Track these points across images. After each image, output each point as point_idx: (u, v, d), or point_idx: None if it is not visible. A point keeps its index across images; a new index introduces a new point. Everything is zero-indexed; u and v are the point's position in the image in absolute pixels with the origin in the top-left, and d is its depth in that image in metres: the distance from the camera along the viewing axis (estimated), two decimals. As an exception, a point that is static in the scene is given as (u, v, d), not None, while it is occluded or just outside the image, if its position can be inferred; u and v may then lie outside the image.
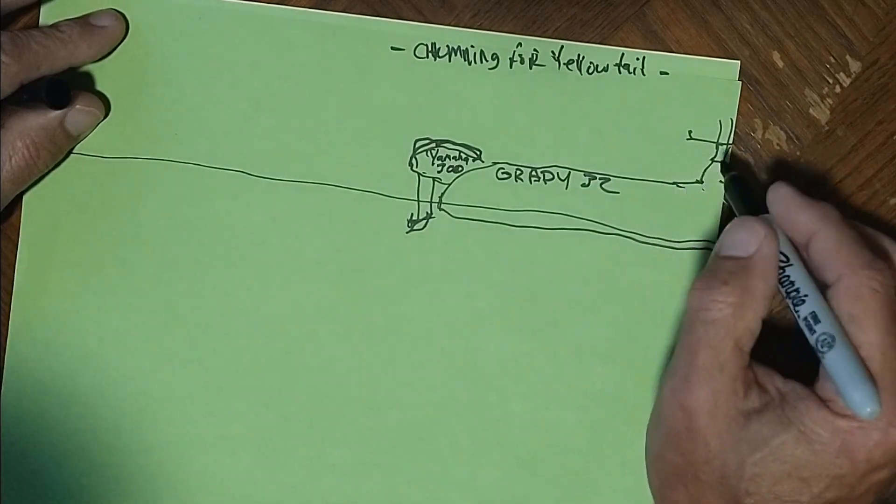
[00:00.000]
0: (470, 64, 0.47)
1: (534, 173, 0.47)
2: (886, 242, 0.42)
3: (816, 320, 0.40)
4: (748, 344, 0.41)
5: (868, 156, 0.47)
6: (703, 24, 0.47)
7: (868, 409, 0.38)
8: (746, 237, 0.41)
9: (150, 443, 0.48)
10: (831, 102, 0.47)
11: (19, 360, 0.49)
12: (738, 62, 0.47)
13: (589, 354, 0.47)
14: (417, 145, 0.48)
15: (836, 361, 0.39)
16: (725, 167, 0.46)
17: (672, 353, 0.43)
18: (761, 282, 0.41)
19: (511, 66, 0.47)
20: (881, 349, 0.39)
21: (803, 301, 0.40)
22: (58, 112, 0.46)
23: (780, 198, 0.42)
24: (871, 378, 0.38)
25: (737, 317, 0.40)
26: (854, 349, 0.39)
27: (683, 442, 0.41)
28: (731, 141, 0.47)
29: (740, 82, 0.47)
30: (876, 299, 0.39)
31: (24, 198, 0.49)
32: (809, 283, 0.41)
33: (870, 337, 0.39)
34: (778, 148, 0.47)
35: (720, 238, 0.42)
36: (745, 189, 0.45)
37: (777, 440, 0.39)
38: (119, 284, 0.48)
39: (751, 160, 0.47)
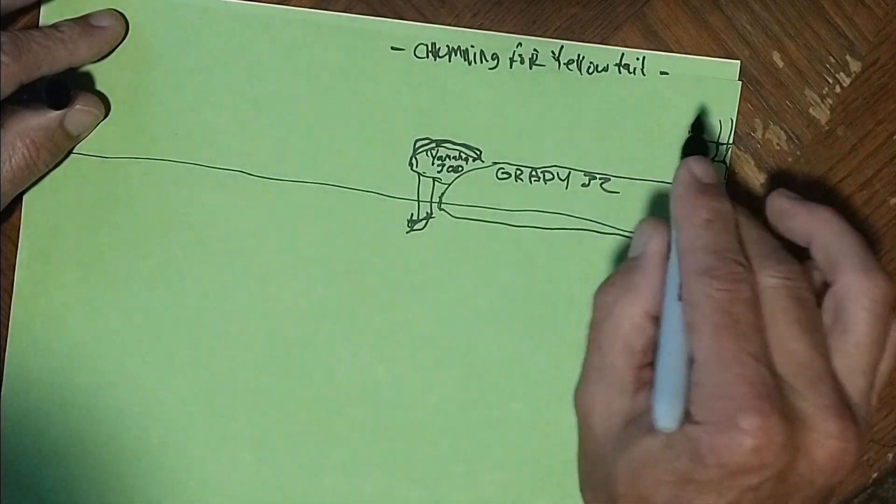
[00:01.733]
0: (470, 64, 0.47)
1: (534, 173, 0.47)
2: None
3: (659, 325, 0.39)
4: (638, 342, 0.40)
5: (868, 156, 0.47)
6: (703, 24, 0.47)
7: (661, 424, 0.37)
8: (639, 237, 0.41)
9: (150, 443, 0.48)
10: (831, 102, 0.47)
11: (19, 360, 0.49)
12: (738, 62, 0.47)
13: (589, 354, 0.47)
14: (417, 145, 0.48)
15: (657, 370, 0.38)
16: (692, 144, 0.45)
17: None
18: (643, 278, 0.40)
19: (511, 66, 0.47)
20: (711, 357, 0.37)
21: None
22: (58, 112, 0.46)
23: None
24: (679, 391, 0.37)
25: (620, 315, 0.40)
26: (675, 359, 0.38)
27: (583, 443, 0.41)
28: (731, 141, 0.47)
29: (740, 82, 0.47)
30: (710, 305, 0.38)
31: (24, 198, 0.49)
32: (670, 286, 0.40)
33: (702, 344, 0.38)
34: (778, 148, 0.47)
35: None
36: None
37: (645, 443, 0.38)
38: (119, 284, 0.48)
39: (751, 160, 0.47)
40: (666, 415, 0.37)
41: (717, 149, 0.47)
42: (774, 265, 0.39)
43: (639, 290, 0.40)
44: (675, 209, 0.41)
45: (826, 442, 0.37)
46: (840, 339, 0.39)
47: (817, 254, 0.40)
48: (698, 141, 0.45)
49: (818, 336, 0.38)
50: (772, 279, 0.38)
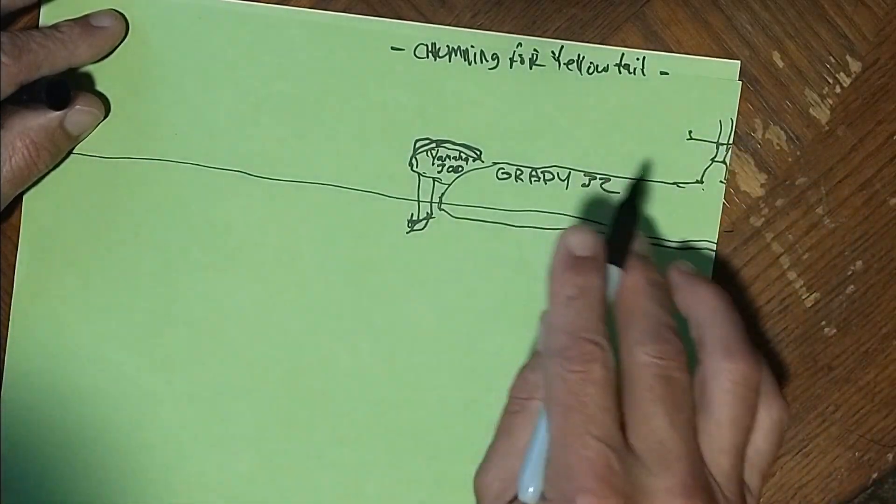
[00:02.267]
0: (470, 64, 0.47)
1: (534, 173, 0.47)
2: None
3: None
4: None
5: (868, 156, 0.47)
6: (703, 24, 0.47)
7: (522, 498, 0.38)
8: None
9: (150, 443, 0.48)
10: (831, 102, 0.47)
11: (19, 360, 0.49)
12: (739, 62, 0.47)
13: (589, 354, 0.47)
14: (417, 145, 0.48)
15: (529, 445, 0.39)
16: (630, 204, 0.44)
17: None
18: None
19: (511, 66, 0.47)
20: (558, 437, 0.38)
21: None
22: (58, 112, 0.46)
23: None
24: (540, 468, 0.38)
25: (535, 408, 0.41)
26: (543, 435, 0.39)
27: None
28: (731, 141, 0.47)
29: (740, 82, 0.47)
30: (560, 386, 0.38)
31: (24, 198, 0.49)
32: None
33: (553, 423, 0.38)
34: (778, 148, 0.47)
35: None
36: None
37: None
38: (119, 284, 0.48)
39: (751, 160, 0.47)
40: (525, 489, 0.38)
41: (717, 149, 0.47)
42: (649, 343, 0.39)
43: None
44: (548, 283, 0.41)
45: None
46: (703, 419, 0.39)
47: (692, 332, 0.41)
48: (629, 207, 0.43)
49: (681, 416, 0.39)
50: (643, 356, 0.39)
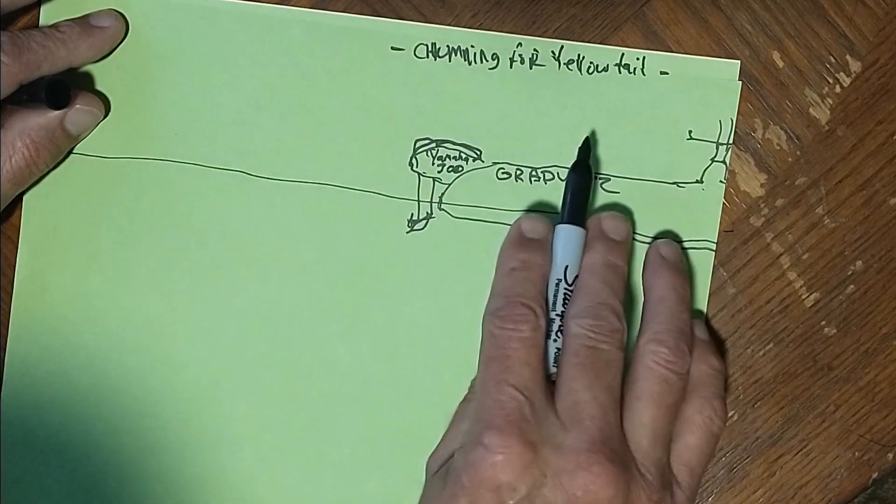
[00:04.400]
0: (470, 64, 0.47)
1: (534, 173, 0.47)
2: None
3: None
4: None
5: (868, 156, 0.47)
6: (703, 24, 0.47)
7: None
8: None
9: (150, 442, 0.48)
10: (831, 102, 0.47)
11: (19, 360, 0.49)
12: (738, 62, 0.47)
13: (589, 354, 0.47)
14: (417, 145, 0.48)
15: None
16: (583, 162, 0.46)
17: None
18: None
19: (511, 66, 0.47)
20: (480, 384, 0.42)
21: None
22: (58, 112, 0.46)
23: None
24: None
25: None
26: None
27: None
28: (731, 141, 0.47)
29: (740, 82, 0.47)
30: (489, 340, 0.42)
31: (24, 198, 0.49)
32: None
33: (478, 374, 0.43)
34: (778, 148, 0.47)
35: None
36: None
37: (433, 478, 0.43)
38: (119, 284, 0.48)
39: (751, 160, 0.47)
40: None
41: (717, 149, 0.47)
42: (583, 317, 0.42)
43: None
44: (498, 258, 0.45)
45: (576, 472, 0.39)
46: (627, 394, 0.42)
47: (643, 311, 0.44)
48: (583, 167, 0.46)
49: (600, 382, 0.41)
50: (575, 327, 0.42)
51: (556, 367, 0.42)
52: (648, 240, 0.47)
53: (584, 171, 0.45)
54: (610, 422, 0.41)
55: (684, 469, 0.42)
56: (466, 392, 0.46)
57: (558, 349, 0.43)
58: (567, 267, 0.44)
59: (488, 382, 0.41)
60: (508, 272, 0.44)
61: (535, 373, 0.41)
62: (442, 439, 0.44)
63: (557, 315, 0.43)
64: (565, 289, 0.43)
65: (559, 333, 0.43)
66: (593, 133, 0.47)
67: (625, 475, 0.40)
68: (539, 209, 0.47)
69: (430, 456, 0.44)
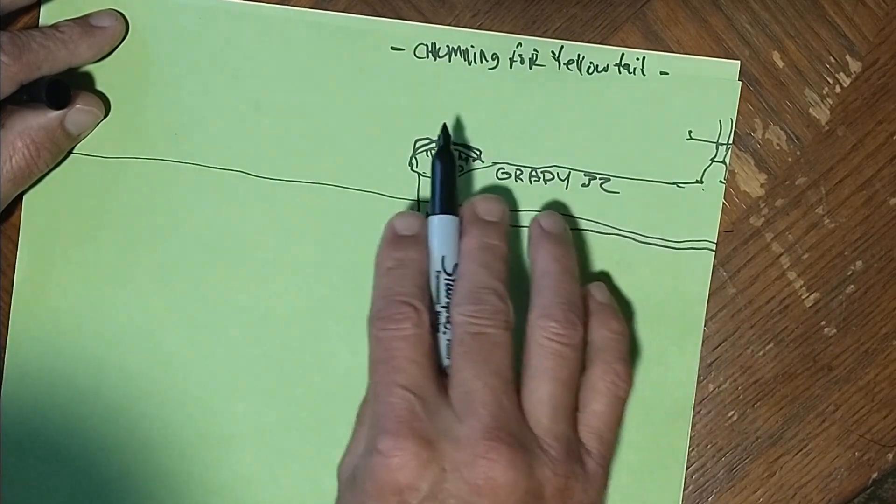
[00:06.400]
0: (470, 64, 0.47)
1: (534, 173, 0.47)
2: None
3: None
4: None
5: (868, 156, 0.47)
6: (703, 24, 0.47)
7: None
8: None
9: (150, 442, 0.48)
10: (831, 102, 0.47)
11: (19, 360, 0.49)
12: (738, 62, 0.47)
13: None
14: (417, 145, 0.48)
15: None
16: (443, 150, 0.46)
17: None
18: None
19: (511, 66, 0.47)
20: (371, 389, 0.42)
21: None
22: (58, 112, 0.46)
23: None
24: None
25: None
26: None
27: None
28: (731, 141, 0.47)
29: (740, 82, 0.47)
30: (373, 343, 0.42)
31: (24, 198, 0.49)
32: None
33: (369, 378, 0.42)
34: (778, 148, 0.47)
35: None
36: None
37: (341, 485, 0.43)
38: (119, 284, 0.48)
39: (751, 160, 0.47)
40: None
41: (717, 149, 0.47)
42: (464, 304, 0.42)
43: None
44: (375, 261, 0.44)
45: (475, 462, 0.39)
46: (523, 373, 0.42)
47: (531, 288, 0.44)
48: (445, 153, 0.45)
49: (488, 367, 0.41)
50: (458, 316, 0.42)
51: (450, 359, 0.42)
52: (648, 239, 0.47)
53: (447, 157, 0.45)
54: (504, 405, 0.40)
55: (593, 437, 0.42)
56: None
57: (449, 340, 0.42)
58: (444, 257, 0.43)
59: (378, 386, 0.41)
60: (385, 272, 0.43)
61: (422, 369, 0.41)
62: (348, 445, 0.43)
63: (443, 307, 0.43)
64: (446, 279, 0.43)
65: (447, 325, 0.42)
66: (458, 119, 0.47)
67: (525, 457, 0.39)
68: (539, 209, 0.47)
69: (339, 464, 0.43)
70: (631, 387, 0.43)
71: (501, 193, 0.47)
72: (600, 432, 0.42)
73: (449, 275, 0.43)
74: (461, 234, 0.44)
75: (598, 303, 0.44)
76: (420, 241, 0.44)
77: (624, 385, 0.43)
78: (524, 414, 0.41)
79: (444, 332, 0.42)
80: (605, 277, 0.47)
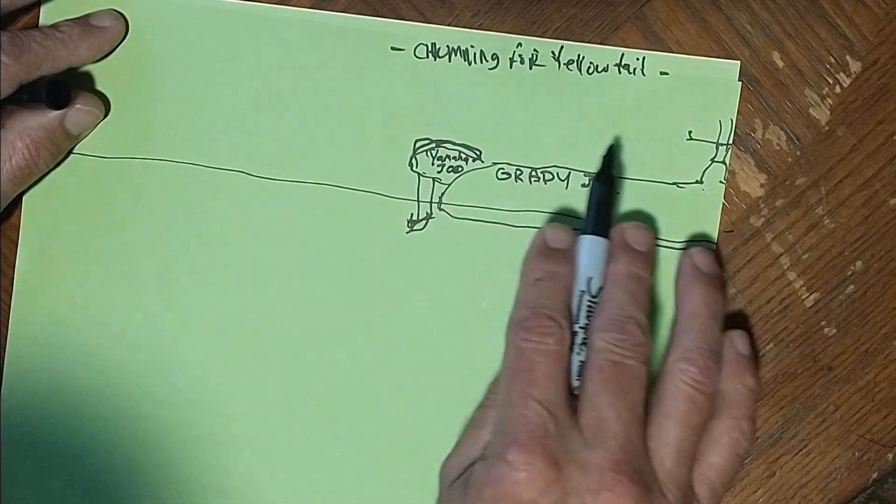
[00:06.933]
0: (470, 64, 0.47)
1: (534, 173, 0.47)
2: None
3: None
4: None
5: (868, 156, 0.47)
6: (703, 24, 0.47)
7: None
8: None
9: (150, 442, 0.48)
10: (831, 102, 0.47)
11: (19, 360, 0.49)
12: (738, 62, 0.47)
13: (589, 354, 0.47)
14: (417, 145, 0.48)
15: None
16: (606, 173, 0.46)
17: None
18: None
19: (511, 66, 0.47)
20: (503, 398, 0.42)
21: None
22: (58, 112, 0.46)
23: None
24: None
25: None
26: None
27: None
28: (731, 141, 0.47)
29: (740, 82, 0.47)
30: (514, 352, 0.42)
31: (24, 198, 0.49)
32: None
33: (501, 386, 0.42)
34: (778, 148, 0.47)
35: None
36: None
37: (452, 487, 0.42)
38: (119, 284, 0.48)
39: (751, 160, 0.47)
40: None
41: (717, 149, 0.47)
42: (608, 330, 0.42)
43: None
44: (522, 269, 0.44)
45: (599, 492, 0.39)
46: (653, 411, 0.42)
47: (674, 324, 0.44)
48: (607, 173, 0.46)
49: (624, 399, 0.41)
50: (600, 341, 0.41)
51: (580, 380, 0.42)
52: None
53: (608, 180, 0.45)
54: (633, 440, 0.40)
55: (706, 488, 0.42)
56: (483, 398, 0.45)
57: (581, 362, 0.42)
58: (591, 279, 0.43)
59: (513, 395, 0.41)
60: (533, 283, 0.43)
61: (559, 388, 0.41)
62: (458, 445, 0.43)
63: (581, 328, 0.42)
64: (589, 301, 0.43)
65: (582, 346, 0.42)
66: (618, 140, 0.46)
67: (647, 496, 0.39)
68: (539, 209, 0.47)
69: (446, 461, 0.43)
70: (752, 446, 0.43)
71: (501, 193, 0.47)
72: (714, 485, 0.42)
73: (593, 297, 0.43)
74: (608, 258, 0.44)
75: (738, 353, 0.44)
76: (569, 256, 0.44)
77: (746, 444, 0.43)
78: (648, 451, 0.41)
79: (578, 353, 0.42)
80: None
